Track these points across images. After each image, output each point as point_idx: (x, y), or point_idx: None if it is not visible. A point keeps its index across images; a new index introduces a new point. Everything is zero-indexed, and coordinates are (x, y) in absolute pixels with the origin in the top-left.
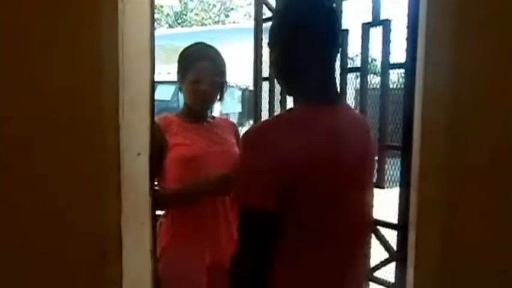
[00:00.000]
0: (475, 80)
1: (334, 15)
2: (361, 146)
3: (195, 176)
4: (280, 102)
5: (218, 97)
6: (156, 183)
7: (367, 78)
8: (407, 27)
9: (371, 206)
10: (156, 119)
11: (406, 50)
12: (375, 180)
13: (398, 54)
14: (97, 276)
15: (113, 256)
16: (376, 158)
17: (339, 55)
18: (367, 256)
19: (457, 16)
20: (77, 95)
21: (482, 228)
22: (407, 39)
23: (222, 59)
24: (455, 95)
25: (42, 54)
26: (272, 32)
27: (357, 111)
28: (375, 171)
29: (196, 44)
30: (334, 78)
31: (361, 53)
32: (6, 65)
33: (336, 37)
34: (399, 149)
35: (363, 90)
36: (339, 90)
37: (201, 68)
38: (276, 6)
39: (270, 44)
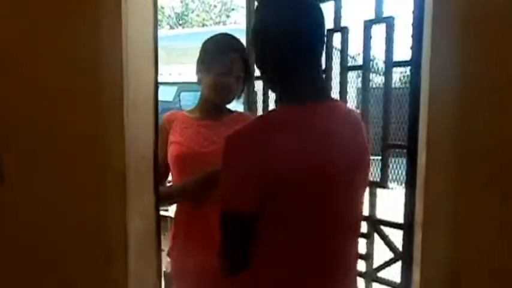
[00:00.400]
0: (481, 78)
1: (316, 12)
2: (350, 144)
3: (185, 175)
4: (275, 101)
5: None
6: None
7: (369, 76)
8: (413, 24)
9: (362, 205)
10: (164, 115)
11: (412, 48)
12: (378, 180)
13: (401, 52)
14: (103, 276)
15: (118, 256)
16: (380, 157)
17: (340, 53)
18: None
19: (463, 13)
20: (81, 96)
21: (488, 227)
22: (413, 36)
23: (247, 53)
24: (461, 93)
25: (46, 56)
26: (253, 30)
27: (349, 107)
28: (378, 170)
29: (222, 34)
30: (321, 75)
31: (363, 51)
32: (12, 66)
33: (319, 34)
34: (404, 147)
35: (364, 89)
36: (338, 88)
37: (230, 60)
38: (257, 4)
39: (252, 43)
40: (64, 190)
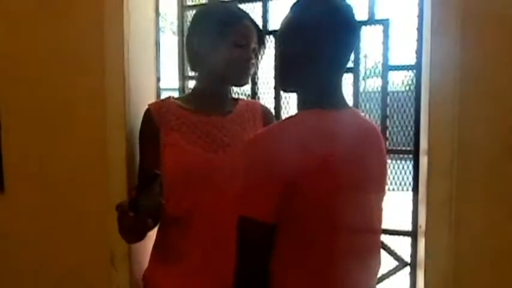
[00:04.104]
0: (481, 82)
1: (353, 16)
2: (368, 151)
3: (189, 191)
4: (297, 105)
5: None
6: None
7: (359, 79)
8: (418, 28)
9: (381, 211)
10: (149, 105)
11: (416, 52)
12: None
13: (406, 55)
14: (106, 281)
15: (121, 261)
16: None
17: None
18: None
19: (462, 17)
20: (84, 103)
21: (490, 231)
22: (417, 40)
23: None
24: (461, 98)
25: (50, 62)
26: (290, 27)
27: (365, 116)
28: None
29: (222, 1)
30: (341, 82)
31: (354, 53)
32: (18, 77)
33: (355, 39)
34: (405, 152)
35: (355, 92)
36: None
37: (247, 28)
38: (291, 8)
39: (280, 45)
40: (66, 197)
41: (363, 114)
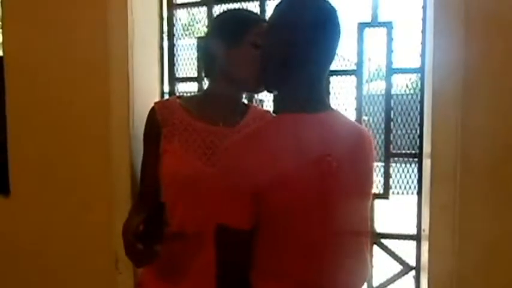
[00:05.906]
0: (484, 86)
1: (338, 19)
2: (351, 155)
3: (182, 204)
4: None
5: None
6: None
7: (362, 81)
8: (422, 31)
9: (366, 216)
10: (154, 104)
11: (421, 55)
12: (380, 191)
13: (410, 58)
14: (111, 284)
15: (125, 265)
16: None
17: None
18: (365, 268)
19: (465, 19)
20: (89, 106)
21: (492, 234)
22: (422, 43)
23: None
24: (464, 101)
25: (56, 66)
26: (269, 33)
27: (350, 119)
28: (375, 180)
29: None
30: (322, 84)
31: (357, 55)
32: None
33: (333, 52)
34: (409, 156)
35: (358, 95)
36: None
37: (264, 30)
38: (275, 8)
39: (263, 45)
40: (71, 200)
41: (344, 116)
